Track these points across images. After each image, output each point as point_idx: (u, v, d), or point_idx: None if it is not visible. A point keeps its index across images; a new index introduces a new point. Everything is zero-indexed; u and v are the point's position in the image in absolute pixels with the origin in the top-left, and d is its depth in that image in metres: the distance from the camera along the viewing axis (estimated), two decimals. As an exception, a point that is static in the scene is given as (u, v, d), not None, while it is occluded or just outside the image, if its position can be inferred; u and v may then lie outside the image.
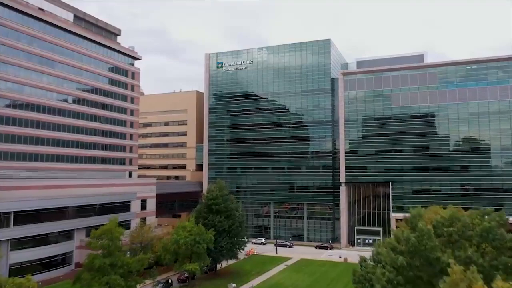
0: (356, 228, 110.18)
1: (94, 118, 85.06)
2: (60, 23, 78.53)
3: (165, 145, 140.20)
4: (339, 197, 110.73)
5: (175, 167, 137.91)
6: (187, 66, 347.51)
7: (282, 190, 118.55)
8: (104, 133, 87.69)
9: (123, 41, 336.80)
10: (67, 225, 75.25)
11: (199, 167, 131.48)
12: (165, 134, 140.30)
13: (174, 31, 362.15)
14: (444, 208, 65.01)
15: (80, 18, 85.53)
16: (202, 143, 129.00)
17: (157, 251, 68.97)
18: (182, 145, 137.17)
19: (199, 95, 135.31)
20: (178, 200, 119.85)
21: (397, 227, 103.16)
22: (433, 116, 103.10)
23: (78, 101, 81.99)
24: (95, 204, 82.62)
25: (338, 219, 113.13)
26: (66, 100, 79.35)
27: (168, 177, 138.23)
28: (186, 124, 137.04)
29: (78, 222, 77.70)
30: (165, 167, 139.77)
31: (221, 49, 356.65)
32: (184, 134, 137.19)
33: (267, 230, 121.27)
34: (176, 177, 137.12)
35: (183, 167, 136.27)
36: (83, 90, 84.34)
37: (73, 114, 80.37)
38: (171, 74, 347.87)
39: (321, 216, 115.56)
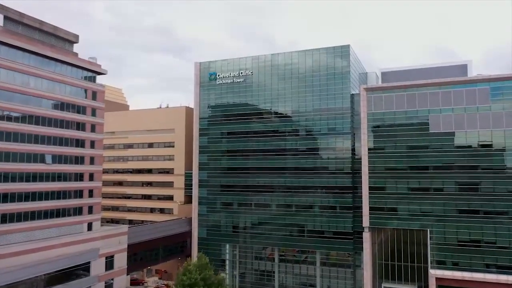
0: (383, 285, 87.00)
1: (35, 157, 62.24)
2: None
3: (149, 171, 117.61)
4: (361, 244, 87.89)
5: (161, 198, 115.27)
6: (193, 65, 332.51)
7: (289, 233, 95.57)
8: (50, 177, 64.75)
9: (123, 40, 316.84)
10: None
11: (189, 198, 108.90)
12: (149, 158, 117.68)
13: (180, 29, 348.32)
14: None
15: (16, 20, 62.80)
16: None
17: None
18: (169, 171, 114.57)
19: (189, 111, 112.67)
20: (162, 245, 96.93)
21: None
22: (485, 146, 79.79)
23: (7, 136, 59.16)
24: (36, 277, 60.40)
25: (359, 266, 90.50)
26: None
27: (152, 210, 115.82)
28: (173, 147, 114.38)
29: (4, 308, 55.46)
30: (148, 197, 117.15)
31: (226, 48, 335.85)
32: (171, 158, 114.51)
33: (271, 278, 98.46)
34: (161, 210, 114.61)
35: (170, 198, 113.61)
36: (17, 120, 61.42)
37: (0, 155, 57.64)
38: (177, 74, 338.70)
39: (338, 265, 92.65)
